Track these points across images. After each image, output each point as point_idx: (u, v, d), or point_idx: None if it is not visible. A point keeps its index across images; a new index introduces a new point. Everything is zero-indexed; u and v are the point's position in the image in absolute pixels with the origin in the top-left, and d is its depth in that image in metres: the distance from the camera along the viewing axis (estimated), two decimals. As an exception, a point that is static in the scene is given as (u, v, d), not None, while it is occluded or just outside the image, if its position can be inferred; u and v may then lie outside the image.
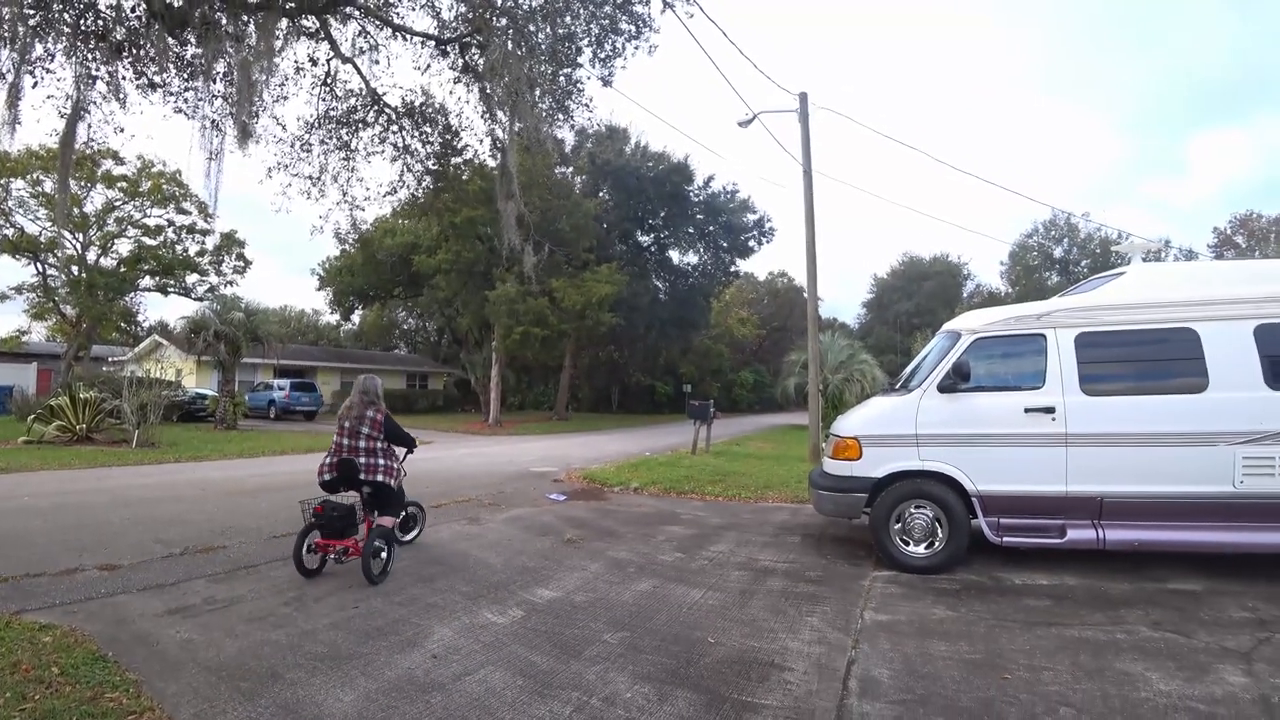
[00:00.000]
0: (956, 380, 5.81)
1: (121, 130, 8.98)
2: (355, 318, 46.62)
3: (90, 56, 7.86)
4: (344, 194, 11.70)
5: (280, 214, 11.30)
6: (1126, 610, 4.74)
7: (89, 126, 8.52)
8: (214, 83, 8.87)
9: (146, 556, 5.87)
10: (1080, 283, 7.26)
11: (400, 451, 5.97)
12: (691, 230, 36.53)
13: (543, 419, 33.28)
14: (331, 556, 5.47)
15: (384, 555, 5.42)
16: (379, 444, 5.67)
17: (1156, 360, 5.70)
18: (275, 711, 3.15)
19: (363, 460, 5.58)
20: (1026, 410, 5.66)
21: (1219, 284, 5.87)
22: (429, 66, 10.48)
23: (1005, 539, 5.63)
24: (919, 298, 52.47)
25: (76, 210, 28.23)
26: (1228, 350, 5.43)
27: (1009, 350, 6.01)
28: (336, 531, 5.44)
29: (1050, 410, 5.60)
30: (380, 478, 5.60)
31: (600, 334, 31.70)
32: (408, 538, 6.55)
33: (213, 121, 9.21)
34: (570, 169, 33.15)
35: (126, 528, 6.98)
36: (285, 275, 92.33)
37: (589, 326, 27.79)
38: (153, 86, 8.63)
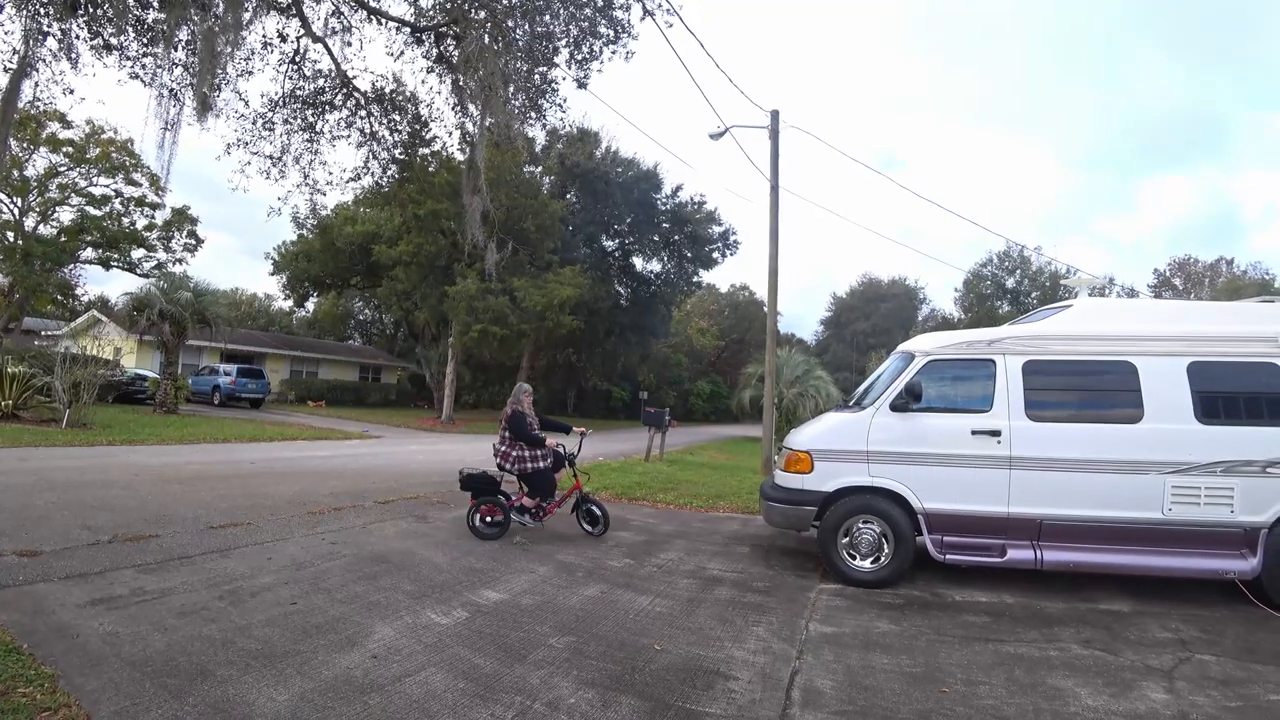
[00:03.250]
0: (908, 400, 5.94)
1: (71, 92, 8.64)
2: (309, 305, 45.30)
3: (42, 11, 7.51)
4: (305, 177, 11.44)
5: (237, 193, 11.04)
6: (1060, 628, 4.91)
7: (35, 85, 8.14)
8: (175, 50, 8.57)
9: (71, 543, 5.57)
10: (1030, 313, 7.52)
11: (550, 440, 7.15)
12: (657, 238, 36.65)
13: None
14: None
15: (497, 520, 6.92)
16: (507, 435, 7.08)
17: (1097, 390, 5.93)
18: (204, 710, 3.02)
19: (499, 447, 7.14)
20: (974, 432, 5.83)
21: (1158, 321, 6.17)
22: (402, 53, 10.33)
23: (948, 556, 5.78)
24: (876, 318, 53.66)
25: (15, 173, 26.87)
26: (1162, 384, 5.69)
27: (960, 373, 6.18)
28: (478, 493, 7.05)
29: (996, 433, 5.77)
30: (505, 464, 7.06)
31: (560, 336, 31.57)
32: (528, 521, 7.15)
33: (171, 90, 8.89)
34: (539, 169, 32.98)
35: (50, 512, 6.62)
36: (239, 257, 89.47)
37: (549, 328, 27.61)
38: (108, 49, 8.29)
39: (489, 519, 6.95)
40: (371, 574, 5.38)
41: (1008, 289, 50.51)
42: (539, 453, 7.03)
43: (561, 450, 7.26)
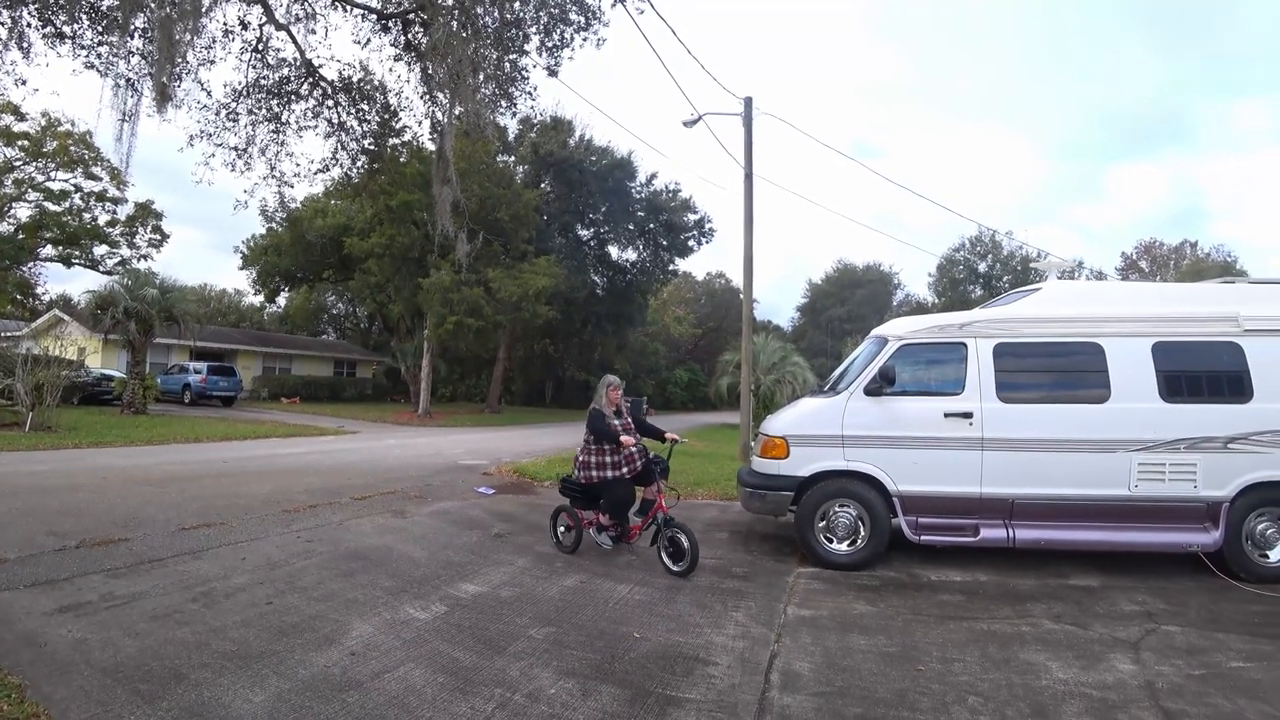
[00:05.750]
0: (882, 384, 6.01)
1: (23, 83, 8.35)
2: (281, 300, 44.43)
3: (-11, -1, 7.25)
4: (272, 169, 11.21)
5: (202, 186, 10.70)
6: (1032, 604, 5.02)
7: (-14, 75, 7.85)
8: (131, 38, 8.31)
9: (36, 550, 5.43)
10: (1000, 296, 7.63)
11: (629, 443, 5.84)
12: (632, 227, 36.54)
13: (474, 411, 32.72)
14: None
15: (573, 532, 6.14)
16: (589, 437, 6.00)
17: (1066, 371, 6.05)
18: (178, 714, 2.97)
19: (579, 457, 6.11)
20: (946, 415, 5.91)
21: (1124, 303, 6.30)
22: (369, 41, 10.14)
23: (923, 537, 5.87)
24: (851, 304, 54.07)
25: (-33, 169, 26.02)
26: (1128, 364, 5.83)
27: (932, 357, 6.26)
28: (580, 503, 6.18)
29: (968, 415, 5.86)
30: (577, 473, 6.08)
31: (536, 327, 31.38)
32: (605, 541, 6.19)
33: (128, 80, 8.64)
34: (512, 158, 32.66)
35: (14, 519, 6.45)
36: (206, 251, 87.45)
37: (525, 319, 27.45)
38: (61, 37, 8.03)
39: (564, 528, 6.31)
40: (348, 571, 5.32)
41: (980, 273, 51.16)
42: (609, 460, 5.90)
43: (651, 455, 6.11)
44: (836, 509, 6.03)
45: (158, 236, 32.71)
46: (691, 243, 38.07)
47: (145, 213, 31.78)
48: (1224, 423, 5.65)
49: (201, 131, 10.40)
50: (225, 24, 9.57)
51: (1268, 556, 5.65)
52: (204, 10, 8.33)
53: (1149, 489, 5.67)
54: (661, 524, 5.73)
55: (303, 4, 9.73)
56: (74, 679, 3.25)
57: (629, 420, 6.12)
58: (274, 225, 33.80)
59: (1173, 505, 5.67)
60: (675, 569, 5.55)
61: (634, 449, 5.86)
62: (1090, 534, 5.75)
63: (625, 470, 5.92)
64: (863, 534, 5.97)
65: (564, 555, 6.10)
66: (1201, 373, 5.82)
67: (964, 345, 6.08)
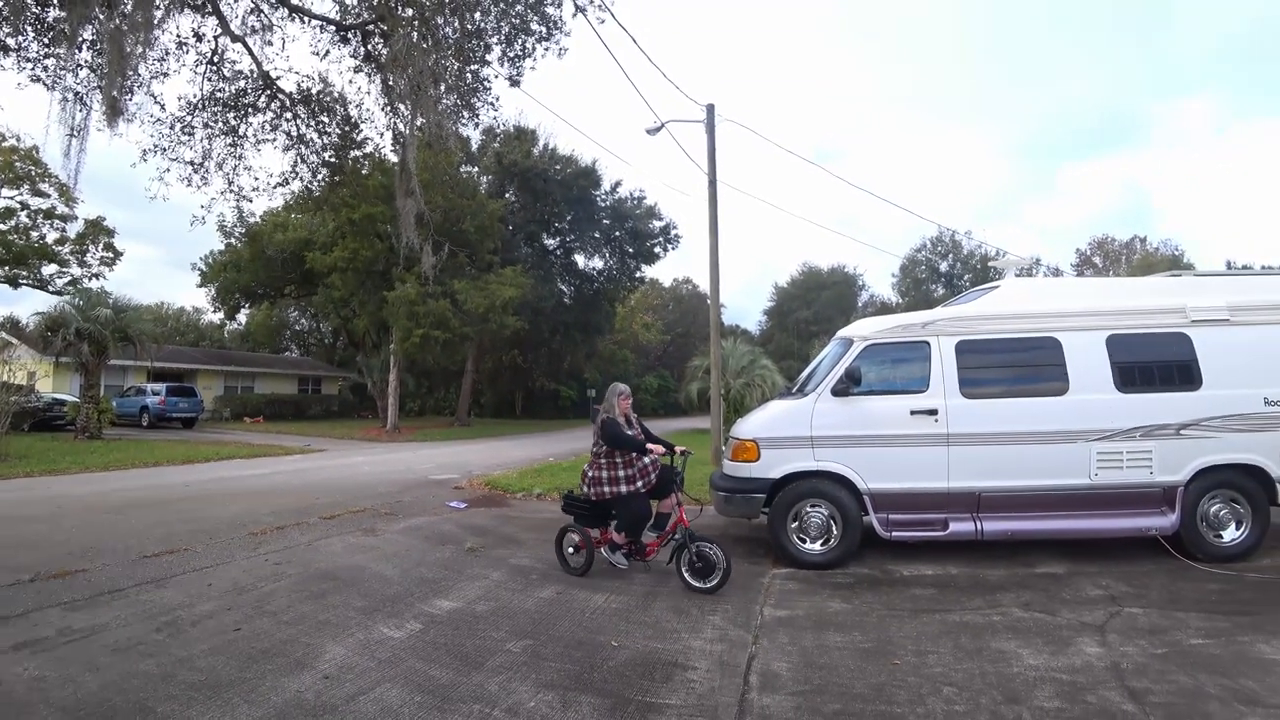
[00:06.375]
0: (849, 384, 6.10)
1: (-36, 97, 8.03)
2: (241, 317, 43.40)
3: (-74, 11, 7.00)
4: (230, 183, 10.95)
5: (156, 201, 10.38)
6: (1001, 594, 5.13)
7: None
8: (79, 51, 8.08)
9: (-12, 582, 5.23)
10: (961, 295, 7.80)
11: (638, 458, 5.54)
12: (598, 235, 36.56)
13: (443, 425, 32.33)
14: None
15: (583, 553, 5.69)
16: (600, 450, 5.61)
17: (1026, 366, 6.21)
18: (142, 745, 2.88)
19: (587, 472, 5.70)
20: (912, 412, 6.02)
21: (1078, 298, 6.50)
22: (328, 53, 10.01)
23: (894, 534, 5.96)
24: (817, 306, 54.67)
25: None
26: (1084, 357, 6.01)
27: (897, 356, 6.37)
28: (586, 521, 5.78)
29: (933, 412, 5.98)
30: (587, 488, 5.67)
31: (504, 338, 31.17)
32: (620, 560, 5.79)
33: (77, 94, 8.39)
34: (476, 168, 32.47)
35: (-37, 550, 6.20)
36: (163, 269, 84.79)
37: (492, 330, 27.24)
38: (5, 50, 7.77)
39: (572, 548, 5.83)
40: (319, 592, 5.22)
41: (942, 273, 52.39)
42: (623, 474, 5.51)
43: (668, 464, 5.75)
44: (808, 509, 6.09)
45: (110, 254, 31.77)
46: (658, 249, 38.21)
47: (96, 230, 30.85)
48: (1176, 410, 5.85)
49: (155, 145, 10.14)
50: (179, 36, 9.37)
51: (1221, 537, 5.87)
52: (156, 22, 8.13)
53: (1108, 477, 5.85)
54: (685, 538, 5.29)
55: (259, 15, 9.58)
56: (31, 719, 3.12)
57: (639, 432, 5.81)
58: (233, 241, 33.08)
59: (1131, 491, 5.85)
60: (701, 586, 5.18)
61: (649, 460, 5.54)
62: (1055, 523, 5.90)
63: (640, 484, 5.53)
64: (835, 533, 6.03)
65: (539, 568, 6.05)
66: (1153, 363, 6.03)
67: (927, 344, 6.20)
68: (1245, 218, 68.74)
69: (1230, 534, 5.87)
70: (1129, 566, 5.75)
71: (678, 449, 5.82)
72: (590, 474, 5.65)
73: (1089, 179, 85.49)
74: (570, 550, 5.84)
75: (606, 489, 5.54)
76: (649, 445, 5.54)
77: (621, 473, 5.53)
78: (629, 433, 5.62)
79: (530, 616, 4.71)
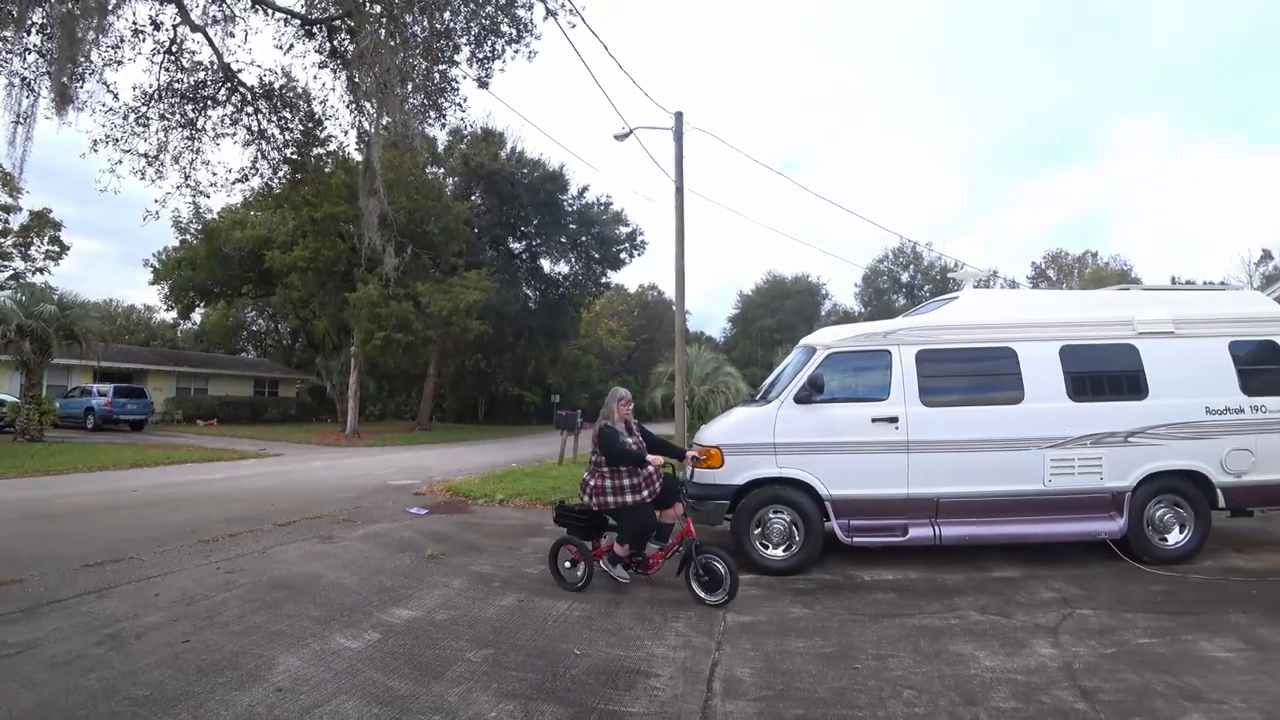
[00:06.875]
0: (811, 392, 6.17)
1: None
2: (196, 316, 41.99)
3: None
4: (186, 177, 10.61)
5: (107, 194, 10.02)
6: (959, 598, 5.23)
7: None
8: (28, 34, 7.76)
9: (-86, 592, 4.96)
10: (921, 305, 7.97)
11: (641, 469, 5.23)
12: (564, 239, 36.44)
13: (405, 429, 31.80)
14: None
15: (580, 567, 5.43)
16: (599, 459, 5.35)
17: (983, 375, 6.36)
18: (80, 763, 2.75)
19: (588, 480, 5.41)
20: (873, 420, 6.11)
21: (1034, 310, 6.72)
22: (292, 47, 9.78)
23: (855, 539, 6.03)
24: (781, 314, 55.34)
25: None
26: (1039, 367, 6.19)
27: (859, 364, 6.47)
28: (582, 533, 5.53)
29: (894, 420, 6.08)
30: (587, 498, 5.39)
31: (467, 341, 30.83)
32: (621, 574, 5.48)
33: (24, 79, 8.06)
34: (442, 170, 32.11)
35: (-112, 559, 5.88)
36: (113, 265, 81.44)
37: (456, 333, 26.91)
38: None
39: (569, 563, 5.55)
40: (273, 601, 5.06)
41: (903, 283, 53.55)
42: (627, 483, 5.22)
43: (672, 473, 5.54)
44: (771, 515, 6.14)
45: (56, 248, 30.65)
46: (624, 255, 38.24)
47: (42, 222, 29.69)
48: (1124, 418, 6.06)
49: (107, 136, 9.76)
50: (135, 23, 9.05)
51: (1166, 540, 6.09)
52: (111, 8, 7.86)
53: (1061, 483, 6.02)
54: (692, 550, 5.11)
55: (221, 5, 9.32)
56: (-40, 735, 2.97)
57: (640, 439, 5.54)
58: (188, 237, 32.09)
59: (1083, 497, 6.03)
60: (710, 599, 5.01)
61: (654, 469, 5.27)
62: (1010, 528, 6.05)
63: (646, 493, 5.22)
64: (797, 539, 6.08)
65: (501, 575, 5.97)
66: (1103, 373, 6.23)
67: (888, 353, 6.31)
68: (1189, 235, 71.78)
69: (1174, 537, 6.10)
70: (1080, 570, 5.92)
71: (689, 452, 5.70)
72: (591, 483, 5.34)
73: (1044, 194, 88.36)
74: (566, 565, 5.53)
75: (610, 499, 5.24)
76: (650, 456, 5.27)
77: (625, 481, 5.23)
78: (628, 440, 5.37)
79: (492, 625, 4.64)
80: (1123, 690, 3.52)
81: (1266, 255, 37.19)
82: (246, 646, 4.13)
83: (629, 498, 5.19)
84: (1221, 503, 6.10)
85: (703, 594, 5.06)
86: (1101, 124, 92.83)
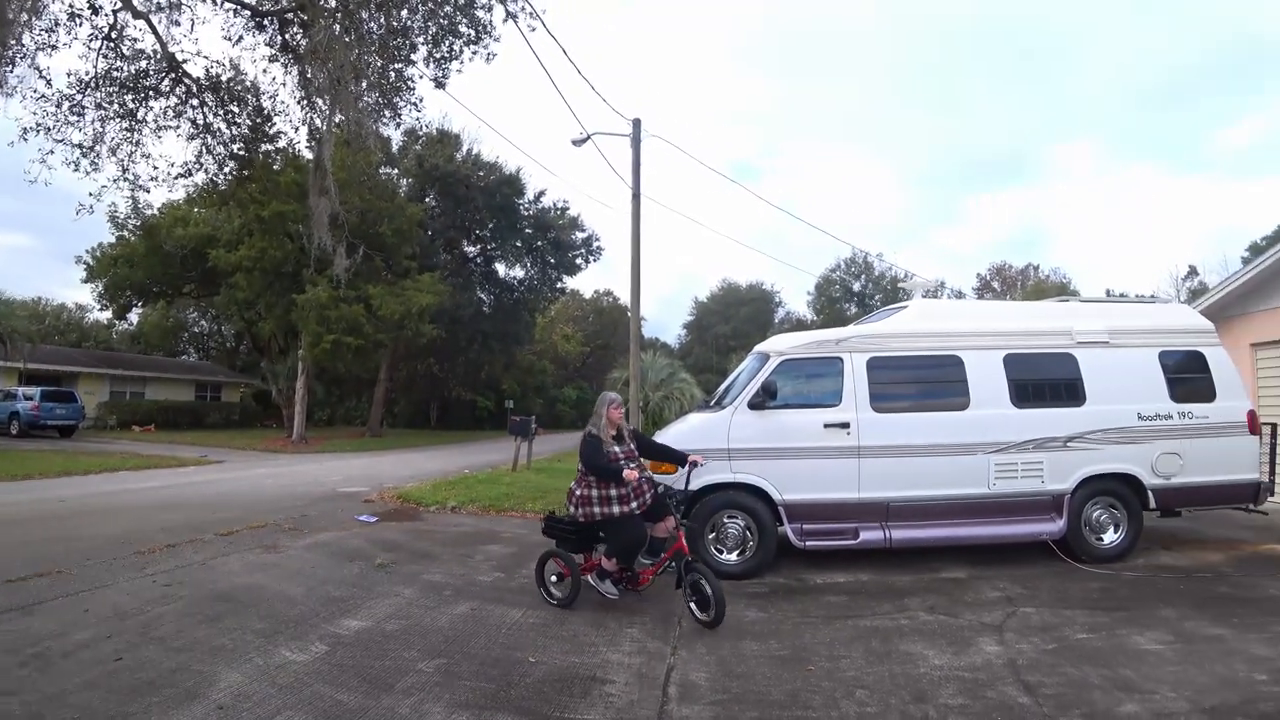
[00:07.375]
0: (765, 398, 6.25)
1: None
2: (133, 316, 39.95)
3: None
4: (124, 170, 10.17)
5: (37, 185, 9.45)
6: (909, 599, 5.36)
7: None
8: (-47, 15, 7.34)
9: None
10: (872, 313, 8.16)
11: (632, 478, 4.84)
12: (520, 244, 36.22)
13: (354, 435, 31.06)
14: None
15: (568, 581, 5.12)
16: (584, 470, 5.07)
17: (931, 382, 6.55)
18: (0, 789, 2.59)
19: (575, 490, 5.13)
20: (825, 425, 6.22)
21: (979, 319, 6.95)
22: (241, 39, 9.50)
23: (808, 543, 6.12)
24: (736, 321, 55.97)
25: None
26: (984, 374, 6.40)
27: (812, 371, 6.58)
28: (570, 545, 5.22)
29: (846, 425, 6.20)
30: (574, 508, 5.09)
31: (420, 346, 30.36)
32: (610, 590, 5.08)
33: (-52, 62, 7.63)
34: (396, 170, 31.58)
35: None
36: (42, 260, 77.37)
37: (408, 337, 26.46)
38: None
39: (555, 577, 5.25)
40: (214, 615, 4.86)
41: (855, 292, 54.89)
42: (615, 493, 4.91)
43: (664, 487, 5.26)
44: (725, 520, 6.18)
45: (-22, 246, 28.91)
46: (580, 261, 38.26)
47: (-38, 219, 28.04)
48: (1063, 424, 6.31)
49: (39, 124, 9.28)
50: (72, 6, 8.66)
51: (1102, 539, 6.37)
52: (45, -13, 7.51)
53: (1005, 486, 6.23)
54: (683, 566, 4.76)
55: (166, -9, 9.00)
56: None
57: (632, 446, 5.25)
58: (126, 234, 30.55)
59: (1025, 500, 6.25)
60: (702, 617, 4.67)
61: (640, 481, 4.93)
62: (957, 530, 6.22)
63: (634, 504, 4.92)
64: (751, 543, 6.14)
65: (453, 583, 5.86)
66: (1044, 380, 6.49)
67: (840, 360, 6.43)
68: (1122, 250, 75.37)
69: (1109, 537, 6.38)
70: (1023, 569, 6.12)
71: (692, 457, 5.41)
72: (578, 493, 5.05)
73: (989, 209, 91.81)
74: (553, 579, 5.23)
75: (597, 509, 4.94)
76: (626, 473, 4.83)
77: (614, 491, 4.92)
78: (614, 449, 5.08)
79: (444, 634, 4.55)
80: (1063, 684, 3.66)
81: (1192, 271, 39.28)
82: (185, 663, 3.95)
83: (616, 509, 4.90)
84: (1152, 504, 6.40)
85: (697, 612, 4.72)
86: (1041, 145, 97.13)
